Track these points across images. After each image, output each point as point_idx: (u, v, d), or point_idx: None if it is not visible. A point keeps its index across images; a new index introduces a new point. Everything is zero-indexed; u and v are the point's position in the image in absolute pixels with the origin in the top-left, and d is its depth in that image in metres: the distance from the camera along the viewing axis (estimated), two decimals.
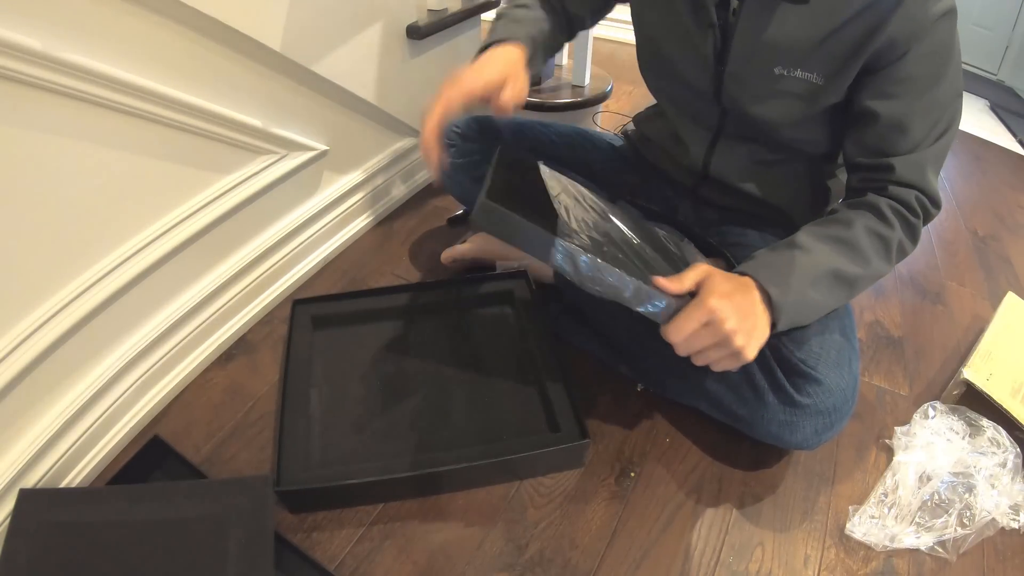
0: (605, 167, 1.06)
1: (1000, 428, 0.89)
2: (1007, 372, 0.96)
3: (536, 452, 0.83)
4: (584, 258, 0.65)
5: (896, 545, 0.79)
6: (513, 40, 0.83)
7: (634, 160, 1.06)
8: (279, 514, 0.79)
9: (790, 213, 0.93)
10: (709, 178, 0.95)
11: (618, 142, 1.10)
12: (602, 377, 1.00)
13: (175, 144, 0.86)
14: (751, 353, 0.67)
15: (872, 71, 0.72)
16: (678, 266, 0.78)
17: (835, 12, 0.70)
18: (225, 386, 0.97)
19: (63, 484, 0.79)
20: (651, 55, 0.91)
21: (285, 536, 0.75)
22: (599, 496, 0.84)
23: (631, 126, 1.09)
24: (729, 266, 0.87)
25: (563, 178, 0.84)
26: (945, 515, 0.82)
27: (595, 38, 1.58)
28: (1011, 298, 1.15)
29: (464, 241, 1.19)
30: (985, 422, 0.91)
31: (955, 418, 0.92)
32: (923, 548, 0.79)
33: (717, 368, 0.69)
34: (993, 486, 0.84)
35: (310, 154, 1.08)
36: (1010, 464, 0.86)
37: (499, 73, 0.77)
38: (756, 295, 0.69)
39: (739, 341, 0.66)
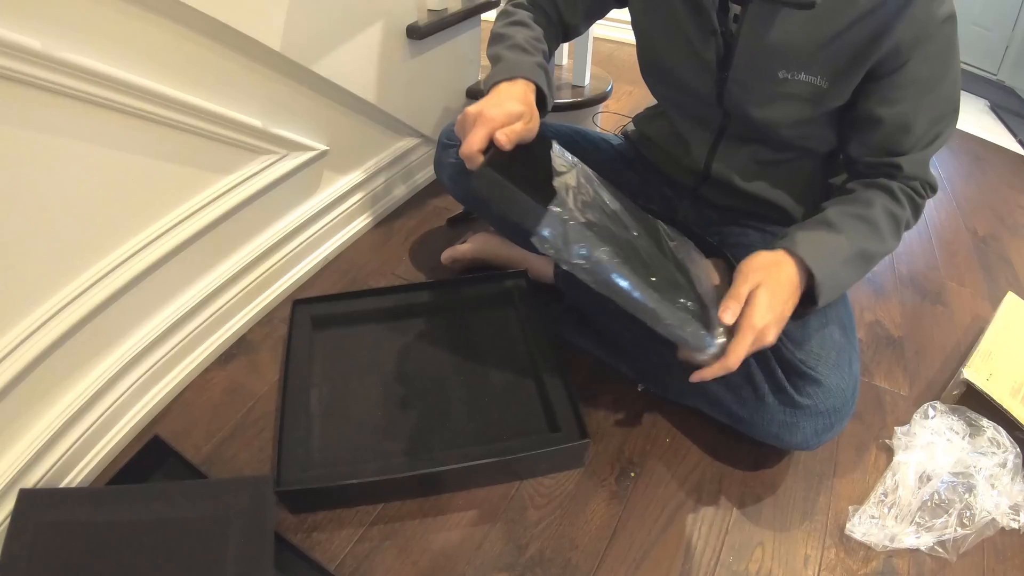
0: (605, 167, 1.06)
1: (1000, 428, 0.89)
2: (1007, 372, 0.96)
3: (536, 452, 0.83)
4: (582, 249, 0.65)
5: (896, 545, 0.79)
6: (524, 75, 0.80)
7: (634, 160, 1.06)
8: (279, 514, 0.79)
9: (791, 212, 0.92)
10: (710, 178, 0.94)
11: (618, 142, 1.10)
12: (602, 377, 1.00)
13: (175, 144, 0.86)
14: (774, 341, 0.70)
15: (877, 77, 0.73)
16: (671, 260, 0.77)
17: (839, 15, 0.70)
18: (225, 386, 0.97)
19: (63, 484, 0.79)
20: (652, 61, 0.90)
21: (285, 536, 0.75)
22: (599, 496, 0.84)
23: (631, 126, 1.09)
24: (729, 266, 0.87)
25: (575, 161, 0.82)
26: (945, 515, 0.82)
27: (595, 38, 1.58)
28: (1011, 298, 1.15)
29: (464, 241, 1.19)
30: (985, 422, 0.91)
31: (955, 418, 0.92)
32: (923, 548, 0.79)
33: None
34: (993, 486, 0.84)
35: (310, 154, 1.08)
36: (1010, 464, 0.86)
37: (518, 110, 0.74)
38: (795, 275, 0.72)
39: (771, 337, 0.69)
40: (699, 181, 0.97)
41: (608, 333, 1.00)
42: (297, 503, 0.80)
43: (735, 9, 0.75)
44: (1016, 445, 0.88)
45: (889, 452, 0.91)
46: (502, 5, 0.99)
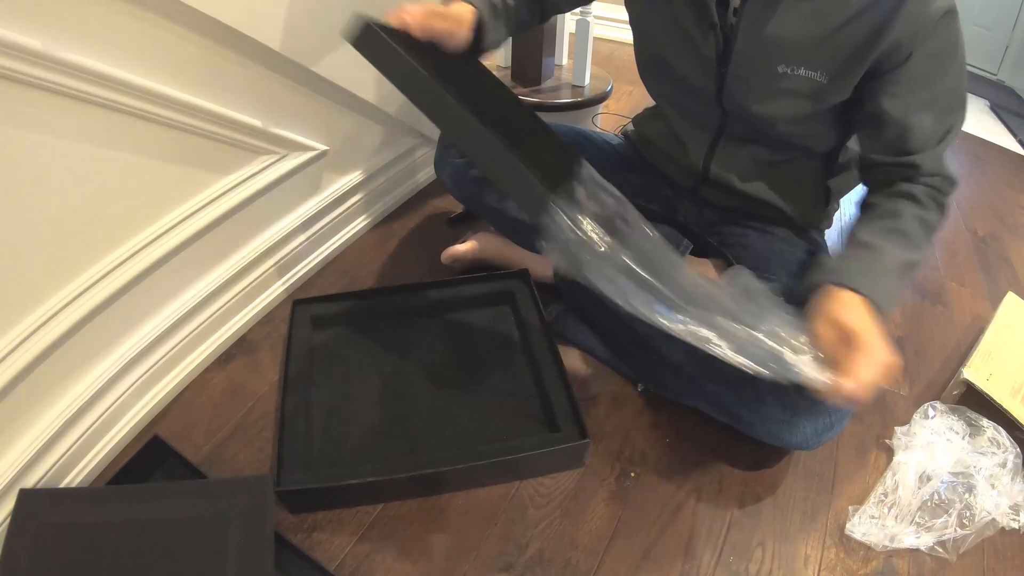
0: (605, 167, 1.05)
1: (1000, 428, 0.89)
2: (1007, 372, 0.96)
3: (536, 452, 0.83)
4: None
5: (896, 545, 0.79)
6: (469, 1, 0.81)
7: (634, 160, 1.06)
8: (279, 514, 0.79)
9: (791, 213, 0.93)
10: (709, 179, 0.94)
11: (618, 142, 1.10)
12: (602, 377, 1.00)
13: (175, 144, 0.86)
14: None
15: (880, 74, 0.73)
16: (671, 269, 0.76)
17: (838, 9, 0.70)
18: (225, 386, 0.97)
19: (63, 484, 0.79)
20: (650, 58, 0.90)
21: (285, 536, 0.75)
22: (599, 496, 0.84)
23: (631, 126, 1.09)
24: (729, 266, 0.87)
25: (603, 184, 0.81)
26: (945, 515, 0.82)
27: (595, 38, 1.58)
28: (1011, 298, 1.15)
29: (464, 241, 1.19)
30: (985, 422, 0.91)
31: (955, 418, 0.92)
32: (923, 548, 0.79)
33: None
34: (993, 486, 0.84)
35: (310, 154, 1.08)
36: (1010, 464, 0.86)
37: (446, 25, 0.76)
38: (866, 306, 0.69)
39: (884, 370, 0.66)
40: (698, 182, 0.97)
41: (608, 333, 1.00)
42: (297, 503, 0.80)
43: (734, 3, 0.75)
44: (1016, 445, 0.88)
45: (889, 452, 0.91)
46: None
